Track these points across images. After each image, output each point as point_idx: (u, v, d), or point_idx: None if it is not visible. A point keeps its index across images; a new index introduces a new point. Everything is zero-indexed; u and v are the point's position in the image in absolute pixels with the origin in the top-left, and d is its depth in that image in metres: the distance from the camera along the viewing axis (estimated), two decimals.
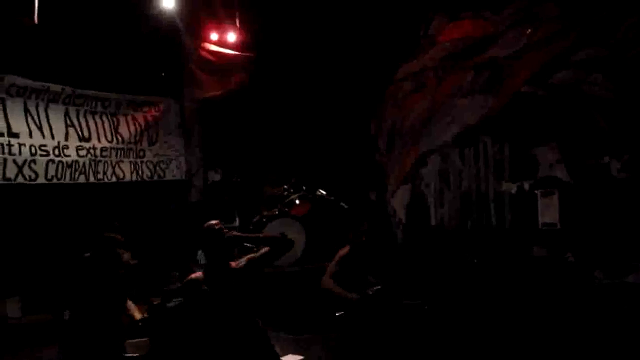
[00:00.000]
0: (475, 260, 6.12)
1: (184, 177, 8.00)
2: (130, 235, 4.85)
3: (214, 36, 7.92)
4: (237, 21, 8.01)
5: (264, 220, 7.03)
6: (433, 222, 7.07)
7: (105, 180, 7.11)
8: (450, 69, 6.65)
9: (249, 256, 4.29)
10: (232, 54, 8.03)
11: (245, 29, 8.03)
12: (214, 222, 4.23)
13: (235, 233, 4.47)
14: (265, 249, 4.31)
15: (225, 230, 4.21)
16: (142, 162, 7.55)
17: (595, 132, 5.27)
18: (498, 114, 6.13)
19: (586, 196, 5.46)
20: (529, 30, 5.71)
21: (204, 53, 7.95)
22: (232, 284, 4.05)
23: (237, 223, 7.45)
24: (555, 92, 5.52)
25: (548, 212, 5.84)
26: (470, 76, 6.37)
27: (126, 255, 4.60)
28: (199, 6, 7.51)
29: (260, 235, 5.64)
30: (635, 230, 5.08)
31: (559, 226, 5.71)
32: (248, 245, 4.86)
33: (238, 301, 4.04)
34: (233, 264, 4.19)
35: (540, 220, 5.90)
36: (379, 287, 4.99)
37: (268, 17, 7.87)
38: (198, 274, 4.13)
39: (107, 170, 7.12)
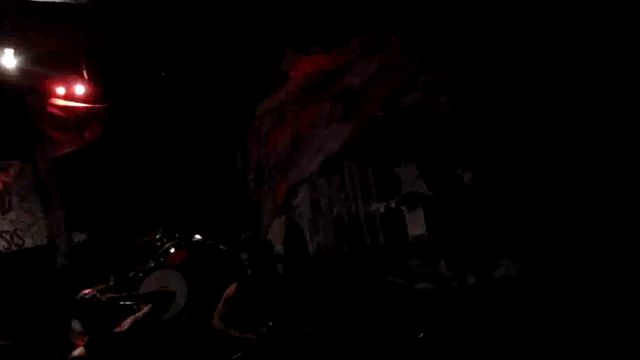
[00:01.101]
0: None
1: (46, 242, 7.50)
2: None
3: (61, 90, 7.58)
4: (85, 73, 7.73)
5: (140, 275, 6.77)
6: (311, 250, 7.22)
7: None
8: (308, 101, 6.90)
9: (132, 317, 4.13)
10: (82, 107, 7.73)
11: (94, 80, 7.77)
12: (86, 291, 4.04)
13: (109, 295, 4.29)
14: (147, 307, 4.17)
15: (99, 296, 4.02)
16: None
17: (446, 147, 5.74)
18: (358, 140, 6.45)
19: (447, 206, 5.90)
20: (377, 59, 6.12)
21: (52, 109, 7.59)
22: (121, 352, 3.87)
23: (111, 282, 7.10)
24: (407, 114, 5.94)
25: (415, 225, 6.21)
26: (327, 106, 6.65)
27: None
28: (42, 61, 7.14)
29: (140, 292, 5.44)
30: (491, 230, 5.57)
31: (427, 237, 6.09)
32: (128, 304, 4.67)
33: None
34: (117, 329, 4.01)
35: (410, 233, 6.27)
36: (272, 322, 4.99)
37: (119, 64, 7.67)
38: (79, 351, 3.89)
39: None
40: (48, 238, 7.54)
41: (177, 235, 7.24)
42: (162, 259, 6.97)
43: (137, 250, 7.37)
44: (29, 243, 7.34)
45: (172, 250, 7.09)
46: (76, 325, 6.71)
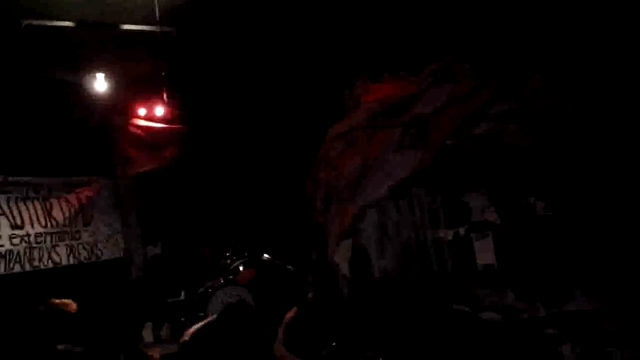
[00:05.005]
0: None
1: (122, 255, 7.88)
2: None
3: (142, 111, 7.99)
4: (165, 95, 8.11)
5: (210, 290, 6.99)
6: (377, 274, 7.23)
7: (42, 266, 6.94)
8: (378, 127, 6.98)
9: None
10: (161, 128, 8.12)
11: (173, 102, 8.14)
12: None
13: None
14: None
15: None
16: (78, 244, 7.42)
17: (518, 176, 5.68)
18: (428, 167, 6.47)
19: (517, 236, 5.81)
20: (449, 87, 6.15)
21: (133, 129, 8.00)
22: None
23: (182, 296, 7.36)
24: (478, 143, 5.92)
25: (484, 254, 6.15)
26: (398, 133, 6.71)
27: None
28: (127, 83, 7.57)
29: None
30: (564, 262, 5.44)
31: (496, 266, 6.01)
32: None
33: None
34: None
35: (478, 262, 6.21)
36: (333, 345, 5.03)
37: (198, 88, 8.02)
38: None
39: (42, 256, 6.97)
40: (124, 251, 7.91)
41: (246, 254, 7.45)
42: (231, 277, 7.18)
43: (208, 267, 7.63)
44: (107, 255, 7.73)
45: (241, 268, 7.31)
46: (147, 335, 7.02)
